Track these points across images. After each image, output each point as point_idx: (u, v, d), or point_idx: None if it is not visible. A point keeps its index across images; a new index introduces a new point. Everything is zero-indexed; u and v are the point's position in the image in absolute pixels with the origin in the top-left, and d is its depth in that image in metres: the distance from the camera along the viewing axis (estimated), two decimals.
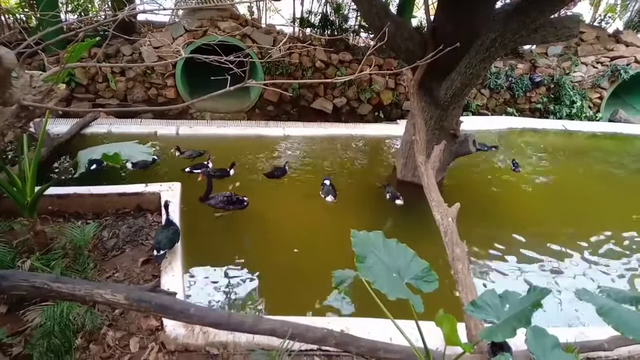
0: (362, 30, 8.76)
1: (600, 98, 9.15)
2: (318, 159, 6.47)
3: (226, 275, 4.05)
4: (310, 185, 5.64)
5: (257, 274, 4.08)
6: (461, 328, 2.74)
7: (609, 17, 12.20)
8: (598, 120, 9.15)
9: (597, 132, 8.51)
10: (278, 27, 8.30)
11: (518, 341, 2.46)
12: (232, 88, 1.89)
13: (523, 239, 4.95)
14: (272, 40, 7.46)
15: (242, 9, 8.28)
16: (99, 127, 6.50)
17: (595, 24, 10.95)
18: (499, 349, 2.58)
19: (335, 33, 8.31)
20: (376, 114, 8.33)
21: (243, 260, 4.20)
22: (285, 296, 3.92)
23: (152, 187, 4.54)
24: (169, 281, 3.48)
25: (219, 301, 3.79)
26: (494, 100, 8.87)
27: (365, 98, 8.04)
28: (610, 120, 9.21)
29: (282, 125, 7.31)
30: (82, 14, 7.79)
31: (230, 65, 2.34)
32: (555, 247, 4.88)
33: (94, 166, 5.18)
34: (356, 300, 3.83)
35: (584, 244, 4.97)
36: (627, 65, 8.84)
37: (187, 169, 5.56)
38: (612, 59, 8.98)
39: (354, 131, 7.36)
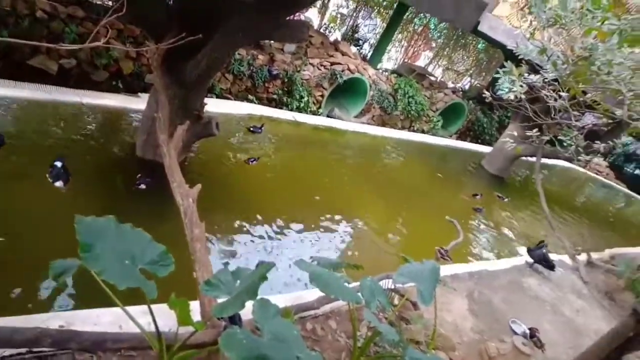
0: None
1: (322, 96, 10.80)
2: (40, 131, 5.39)
3: None
4: (31, 164, 4.68)
5: None
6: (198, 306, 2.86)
7: (332, 27, 14.51)
8: (319, 115, 10.80)
9: (319, 125, 10.06)
10: None
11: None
12: None
13: (258, 218, 5.45)
14: None
15: None
16: None
17: (322, 30, 12.82)
18: (233, 322, 2.79)
19: None
20: (114, 83, 7.53)
21: None
22: None
23: None
24: None
25: None
26: (237, 86, 9.31)
27: (101, 63, 7.16)
28: (327, 116, 10.99)
29: None
30: None
31: None
32: (283, 224, 5.57)
33: None
34: (85, 291, 3.45)
35: (306, 221, 5.85)
36: (342, 71, 10.71)
37: None
38: (332, 64, 10.70)
39: (85, 99, 6.44)
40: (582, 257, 7.13)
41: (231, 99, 9.17)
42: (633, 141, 18.22)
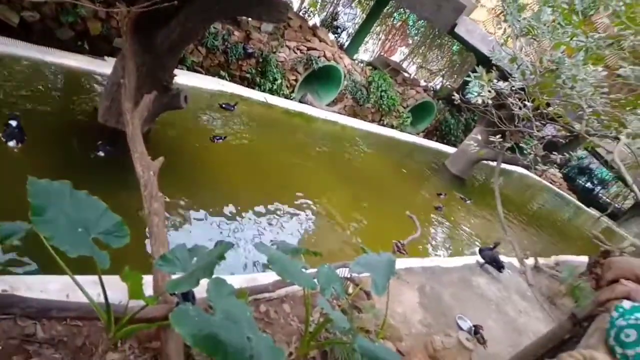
0: None
1: (296, 80, 10.70)
2: None
3: None
4: None
5: None
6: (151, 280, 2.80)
7: (311, 12, 14.35)
8: (292, 99, 10.71)
9: (290, 109, 9.98)
10: None
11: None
12: None
13: (218, 197, 5.38)
14: None
15: None
16: None
17: (301, 14, 12.66)
18: (186, 299, 2.75)
19: None
20: (80, 43, 7.17)
21: None
22: None
23: None
24: None
25: None
26: (209, 60, 9.07)
27: (67, 21, 6.79)
28: (300, 101, 10.93)
29: None
30: None
31: None
32: (243, 206, 5.52)
33: None
34: (34, 257, 3.31)
35: (267, 205, 5.83)
36: (319, 57, 10.64)
37: None
38: (309, 49, 10.60)
39: (47, 57, 6.10)
40: (530, 261, 7.47)
41: (202, 73, 8.94)
42: (587, 155, 19.21)
